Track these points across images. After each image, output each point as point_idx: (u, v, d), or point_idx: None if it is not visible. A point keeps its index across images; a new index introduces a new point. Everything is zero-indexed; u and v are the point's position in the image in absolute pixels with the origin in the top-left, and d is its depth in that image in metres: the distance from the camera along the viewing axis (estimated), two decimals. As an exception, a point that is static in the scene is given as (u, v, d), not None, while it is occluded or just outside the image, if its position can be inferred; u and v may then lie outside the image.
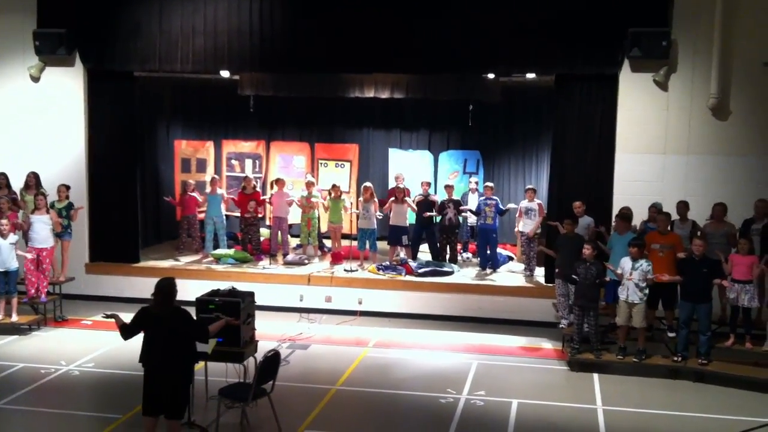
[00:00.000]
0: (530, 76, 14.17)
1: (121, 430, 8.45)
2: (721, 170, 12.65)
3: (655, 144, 12.86)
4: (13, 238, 11.96)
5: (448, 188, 15.15)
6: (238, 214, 15.55)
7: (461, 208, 14.93)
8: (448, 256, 14.93)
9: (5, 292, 12.02)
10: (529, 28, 12.83)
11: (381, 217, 14.80)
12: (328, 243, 15.88)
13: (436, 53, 13.22)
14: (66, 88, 14.40)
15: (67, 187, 13.45)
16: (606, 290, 11.52)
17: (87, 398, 9.79)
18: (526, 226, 14.14)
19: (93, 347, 11.40)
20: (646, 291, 10.47)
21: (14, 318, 12.09)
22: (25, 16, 14.22)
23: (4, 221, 11.95)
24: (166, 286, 7.40)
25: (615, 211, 12.42)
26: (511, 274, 14.32)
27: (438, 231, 15.10)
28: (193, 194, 15.69)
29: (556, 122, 13.56)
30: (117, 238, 14.44)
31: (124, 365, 10.24)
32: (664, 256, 10.77)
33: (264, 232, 15.80)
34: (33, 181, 13.62)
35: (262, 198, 15.51)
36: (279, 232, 15.34)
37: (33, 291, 12.49)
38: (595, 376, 10.53)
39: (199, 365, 8.82)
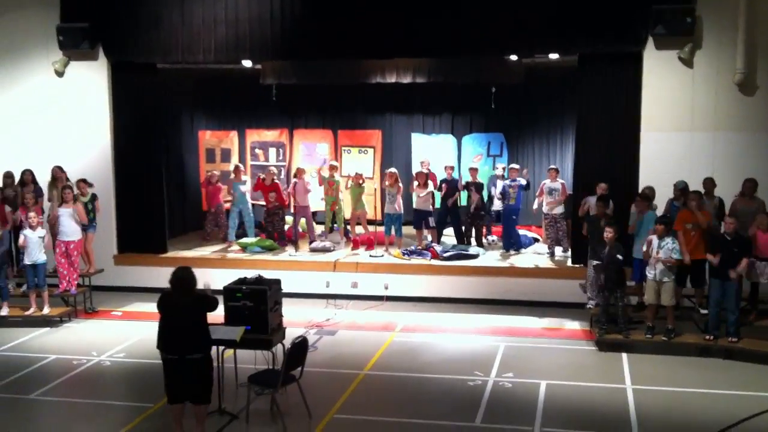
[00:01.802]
0: (553, 56, 14.04)
1: (153, 418, 8.55)
2: (749, 146, 12.47)
3: (680, 122, 12.71)
4: (41, 231, 12.11)
5: (472, 171, 15.11)
6: (263, 203, 15.65)
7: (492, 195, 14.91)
8: (473, 240, 14.92)
9: (35, 285, 12.20)
10: (551, 7, 12.72)
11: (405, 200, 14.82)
12: (352, 229, 15.92)
13: (458, 36, 13.13)
14: (90, 82, 14.52)
15: (86, 182, 13.56)
16: (633, 269, 11.45)
17: (119, 388, 9.92)
18: (551, 207, 14.10)
19: (123, 338, 11.54)
20: (674, 269, 10.38)
21: (45, 310, 12.27)
22: (48, 11, 14.31)
23: (32, 214, 12.11)
24: (182, 276, 7.50)
25: (641, 190, 12.31)
26: (536, 256, 14.28)
27: (463, 214, 15.09)
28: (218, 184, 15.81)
29: (579, 102, 13.45)
30: (144, 230, 14.58)
31: (154, 355, 10.21)
32: (695, 235, 10.68)
33: (288, 220, 15.88)
34: (59, 175, 13.76)
35: (282, 189, 15.58)
36: (303, 220, 15.40)
37: (65, 284, 12.65)
38: (624, 355, 10.47)
39: (228, 353, 8.92)
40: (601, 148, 13.08)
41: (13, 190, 13.61)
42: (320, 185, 15.37)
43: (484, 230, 15.57)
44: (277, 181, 15.80)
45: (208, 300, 7.63)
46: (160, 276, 13.62)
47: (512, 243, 14.45)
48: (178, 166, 17.24)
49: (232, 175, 15.57)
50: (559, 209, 14.13)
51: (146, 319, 11.83)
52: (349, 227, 15.88)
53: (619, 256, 10.62)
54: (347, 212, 15.68)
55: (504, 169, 15.55)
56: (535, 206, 14.96)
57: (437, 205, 15.09)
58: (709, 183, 11.75)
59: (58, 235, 12.57)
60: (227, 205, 15.94)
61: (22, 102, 14.79)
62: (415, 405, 8.98)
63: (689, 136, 12.69)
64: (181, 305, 7.47)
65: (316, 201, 15.79)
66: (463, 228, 15.06)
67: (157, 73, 14.59)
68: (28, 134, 14.76)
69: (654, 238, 10.46)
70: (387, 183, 14.67)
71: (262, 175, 15.55)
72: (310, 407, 8.42)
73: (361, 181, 15.07)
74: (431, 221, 14.81)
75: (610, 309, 10.85)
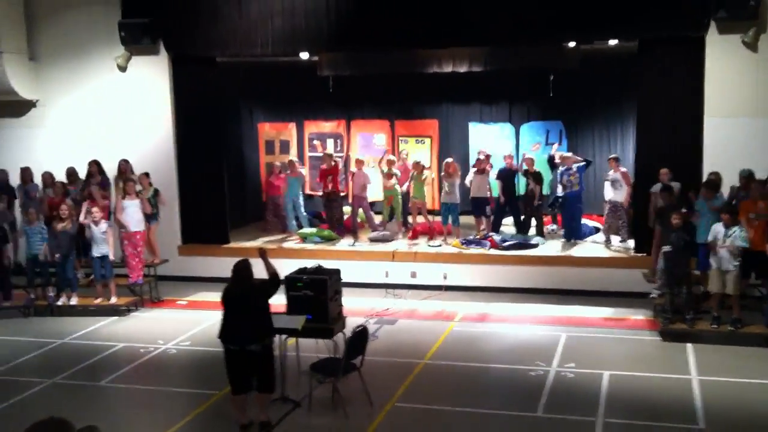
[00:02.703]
0: (611, 42, 13.82)
1: (218, 405, 8.73)
2: (817, 131, 12.13)
3: (745, 107, 12.42)
4: (103, 225, 12.43)
5: (528, 161, 14.98)
6: (321, 193, 15.77)
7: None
8: (534, 229, 14.81)
9: (101, 276, 12.54)
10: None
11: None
12: (410, 219, 15.92)
13: (515, 24, 13.01)
14: (152, 76, 14.81)
15: (147, 175, 13.83)
16: (698, 258, 11.25)
17: (184, 375, 10.18)
18: (616, 195, 13.90)
19: (189, 326, 11.78)
20: (740, 258, 10.16)
21: (113, 300, 12.60)
22: (110, 8, 14.63)
23: (95, 209, 12.44)
24: (241, 268, 7.68)
25: (705, 177, 12.06)
26: (596, 245, 14.10)
27: (521, 203, 14.99)
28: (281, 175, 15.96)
29: (640, 89, 13.22)
30: (207, 221, 14.83)
31: (218, 343, 10.52)
32: (759, 225, 10.43)
33: (347, 210, 15.97)
34: (124, 168, 14.10)
35: (340, 170, 15.61)
36: (360, 210, 15.49)
37: (134, 276, 12.95)
38: (689, 346, 10.28)
39: (291, 341, 9.05)
40: (663, 135, 12.85)
41: (76, 185, 14.00)
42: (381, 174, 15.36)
43: (546, 219, 15.43)
44: (334, 164, 15.76)
45: (265, 286, 7.73)
46: (223, 266, 13.86)
47: (573, 232, 14.27)
48: (238, 158, 17.44)
49: (288, 170, 15.65)
50: (621, 197, 13.90)
51: (210, 308, 12.04)
52: (409, 218, 15.89)
53: (687, 246, 10.47)
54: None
55: (555, 155, 15.30)
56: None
57: (494, 193, 15.01)
58: (774, 170, 11.46)
59: (124, 228, 12.87)
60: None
61: (86, 97, 15.19)
62: (476, 394, 8.98)
63: (754, 122, 12.39)
64: (240, 296, 7.63)
65: (373, 191, 15.83)
66: (522, 217, 14.95)
67: (217, 66, 14.79)
68: (93, 128, 15.13)
69: (719, 227, 10.25)
70: (444, 173, 14.65)
71: (323, 162, 15.63)
72: (371, 395, 8.50)
73: (422, 169, 15.02)
74: (488, 210, 14.75)
75: (675, 298, 10.67)
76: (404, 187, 15.22)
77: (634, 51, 13.19)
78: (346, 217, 15.77)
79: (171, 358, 10.57)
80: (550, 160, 15.02)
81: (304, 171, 16.08)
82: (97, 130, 15.10)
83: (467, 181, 14.95)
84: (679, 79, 12.76)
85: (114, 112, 15.04)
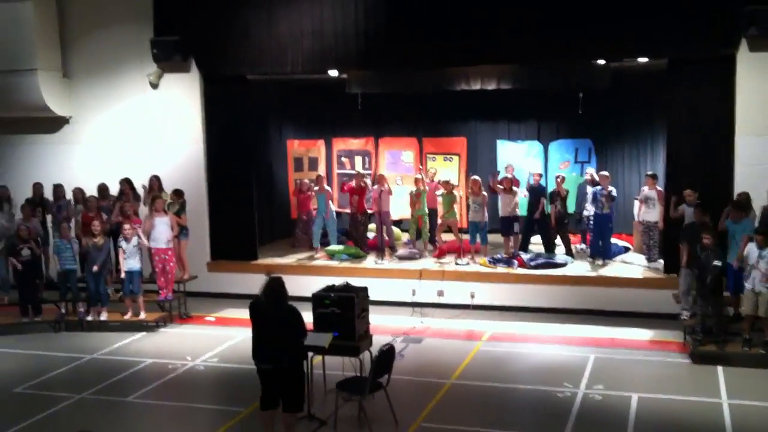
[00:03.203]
0: (642, 60, 13.74)
1: (245, 422, 8.75)
2: None
3: (778, 125, 12.28)
4: (135, 241, 12.57)
5: (558, 180, 14.91)
6: (348, 211, 15.81)
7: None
8: (562, 248, 14.71)
9: (130, 292, 12.66)
10: (639, 11, 12.42)
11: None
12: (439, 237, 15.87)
13: (543, 42, 12.96)
14: (183, 94, 14.98)
15: (177, 192, 13.98)
16: (728, 280, 11.10)
17: (212, 392, 10.24)
18: (647, 214, 13.77)
19: (217, 342, 11.83)
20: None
21: (142, 315, 12.71)
22: (142, 26, 14.82)
23: (127, 226, 12.58)
24: (278, 287, 7.60)
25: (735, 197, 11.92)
26: (626, 265, 13.96)
27: (548, 223, 14.91)
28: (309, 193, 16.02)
29: (670, 107, 13.12)
30: (236, 237, 14.92)
31: (247, 360, 10.43)
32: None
33: (372, 228, 15.98)
34: (156, 184, 14.26)
35: (368, 189, 15.66)
36: (384, 227, 15.50)
37: (164, 293, 13.06)
38: (719, 368, 10.12)
39: (317, 359, 9.04)
40: (694, 153, 12.73)
41: (108, 201, 14.18)
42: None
43: (575, 238, 15.31)
44: (363, 185, 15.84)
45: (298, 320, 7.69)
46: (251, 282, 13.92)
47: (601, 251, 14.16)
48: (267, 175, 17.55)
49: (316, 186, 15.70)
50: (654, 217, 13.75)
51: (239, 324, 12.12)
52: (436, 237, 15.84)
53: (717, 263, 10.32)
54: (437, 220, 15.67)
55: (591, 174, 15.25)
56: (637, 219, 14.50)
57: (522, 212, 14.94)
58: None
59: (153, 243, 13.00)
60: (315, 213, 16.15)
61: (119, 114, 15.41)
62: (503, 415, 8.92)
63: (787, 141, 12.24)
64: (272, 316, 7.60)
65: (397, 208, 15.84)
66: (549, 236, 14.86)
67: (247, 84, 14.94)
68: (125, 145, 15.34)
69: (753, 247, 10.11)
70: (470, 191, 14.63)
71: (354, 181, 15.69)
72: (396, 415, 8.46)
73: (451, 188, 14.97)
74: (516, 227, 14.70)
75: (707, 320, 10.53)
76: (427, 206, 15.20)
77: (665, 68, 13.10)
78: (372, 235, 15.76)
79: (198, 374, 10.61)
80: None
81: (331, 188, 16.09)
82: (129, 147, 15.29)
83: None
84: (710, 97, 12.64)
85: (146, 129, 15.23)
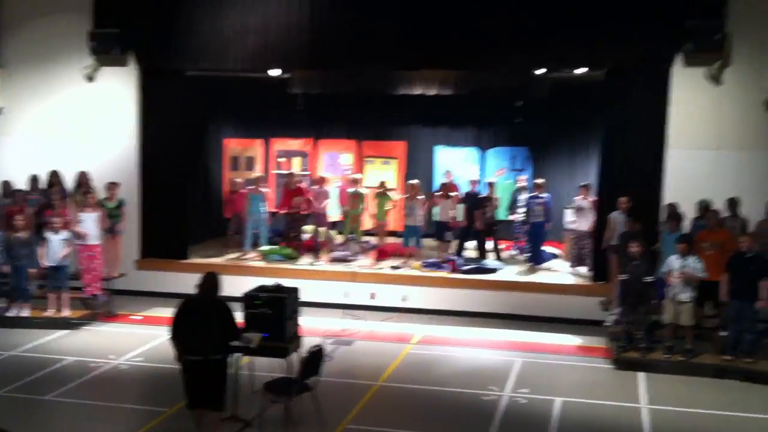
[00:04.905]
0: (580, 70, 13.95)
1: (168, 422, 8.59)
2: (776, 167, 12.31)
3: (707, 139, 12.62)
4: (63, 234, 12.24)
5: (489, 185, 15.06)
6: (284, 211, 15.68)
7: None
8: (493, 253, 14.84)
9: (55, 287, 12.33)
10: (580, 22, 12.64)
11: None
12: (372, 240, 15.89)
13: (485, 49, 13.09)
14: (120, 88, 14.66)
15: (115, 184, 13.69)
16: (656, 288, 11.34)
17: (135, 391, 10.00)
18: (579, 223, 13.96)
19: (142, 342, 11.58)
20: (695, 289, 10.26)
21: (65, 312, 12.38)
22: (82, 17, 14.45)
23: (56, 218, 12.25)
24: (213, 278, 7.66)
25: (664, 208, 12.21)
26: (555, 272, 14.17)
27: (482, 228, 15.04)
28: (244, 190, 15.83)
29: (606, 117, 13.39)
30: (166, 235, 14.64)
31: (172, 359, 10.41)
32: (713, 254, 10.56)
33: (308, 229, 15.89)
34: (83, 180, 13.93)
35: (303, 189, 15.58)
36: (323, 229, 15.43)
37: (91, 288, 12.75)
38: (641, 374, 10.35)
39: (245, 359, 8.93)
40: (627, 164, 12.99)
41: (38, 193, 13.81)
42: (342, 204, 15.34)
43: (508, 244, 15.47)
44: (300, 186, 15.71)
45: (229, 317, 7.63)
46: (180, 281, 13.76)
47: (533, 257, 14.34)
48: (203, 173, 17.32)
49: (250, 186, 15.52)
50: (585, 226, 13.96)
51: (166, 324, 11.74)
52: (372, 239, 15.84)
53: (649, 278, 10.53)
54: (370, 222, 15.67)
55: (526, 180, 15.43)
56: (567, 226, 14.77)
57: (459, 217, 15.04)
58: (732, 203, 11.61)
59: (81, 239, 12.69)
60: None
61: (53, 106, 15.00)
62: (429, 418, 8.96)
63: (716, 155, 12.59)
64: (207, 308, 7.55)
65: (334, 211, 15.81)
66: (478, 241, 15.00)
67: (186, 80, 14.70)
68: (59, 138, 14.95)
69: (674, 258, 10.35)
70: (407, 194, 14.66)
71: (287, 181, 15.55)
72: (323, 416, 8.40)
73: (385, 190, 14.99)
74: (448, 235, 14.77)
75: (631, 327, 10.73)
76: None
77: (602, 79, 13.34)
78: (308, 236, 15.68)
79: (122, 373, 10.37)
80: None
81: (267, 189, 15.93)
82: (63, 140, 14.90)
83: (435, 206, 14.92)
84: (644, 109, 12.92)
85: (80, 123, 14.85)
